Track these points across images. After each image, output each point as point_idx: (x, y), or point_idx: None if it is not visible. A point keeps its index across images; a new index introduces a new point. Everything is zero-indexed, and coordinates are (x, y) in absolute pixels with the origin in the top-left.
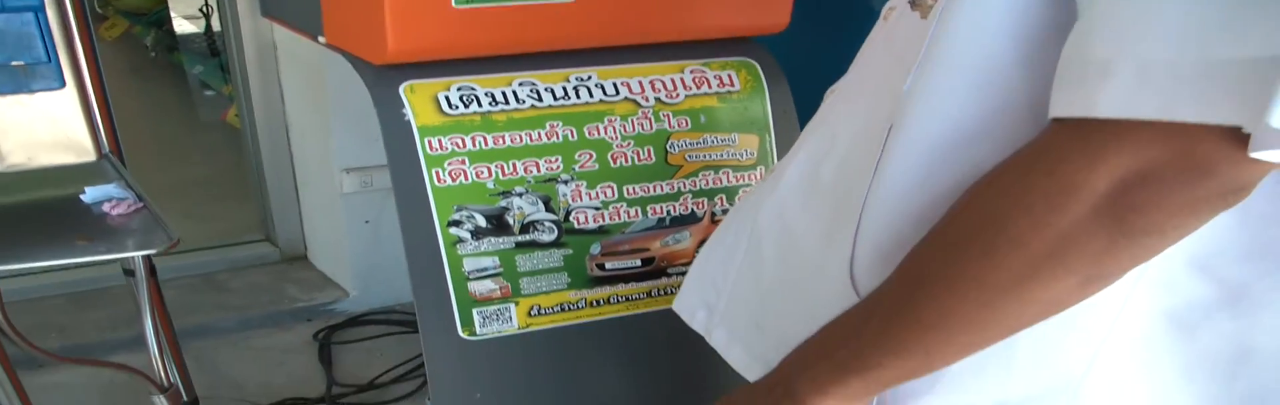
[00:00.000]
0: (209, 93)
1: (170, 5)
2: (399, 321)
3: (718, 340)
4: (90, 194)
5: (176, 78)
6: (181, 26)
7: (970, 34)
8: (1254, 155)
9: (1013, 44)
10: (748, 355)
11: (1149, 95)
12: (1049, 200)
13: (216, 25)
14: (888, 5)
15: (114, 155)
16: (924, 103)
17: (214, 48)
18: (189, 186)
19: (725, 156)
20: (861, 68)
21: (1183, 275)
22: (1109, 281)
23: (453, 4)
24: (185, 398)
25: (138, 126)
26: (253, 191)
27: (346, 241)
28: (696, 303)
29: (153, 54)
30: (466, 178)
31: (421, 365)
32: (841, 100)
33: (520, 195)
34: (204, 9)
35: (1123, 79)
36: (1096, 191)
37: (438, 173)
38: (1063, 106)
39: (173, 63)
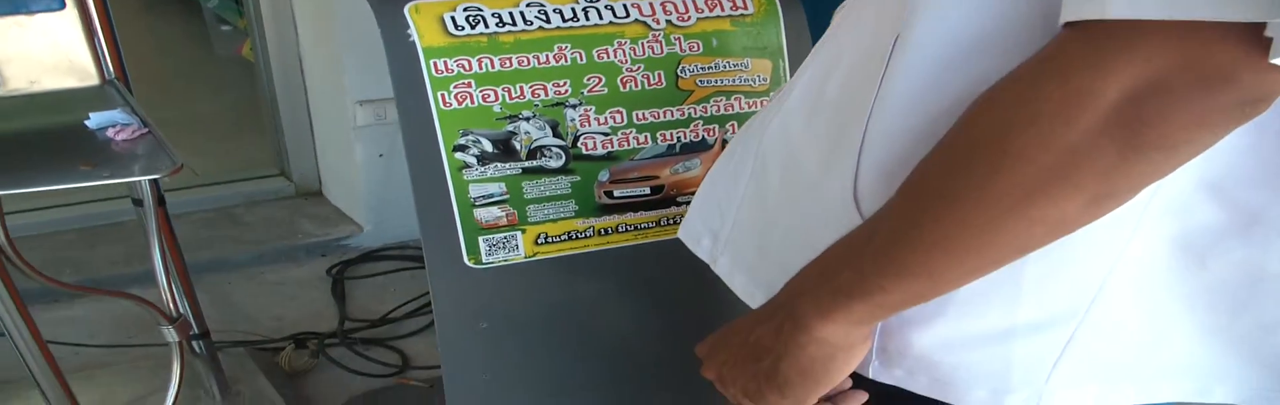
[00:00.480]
0: (225, 27)
1: None
2: (412, 257)
3: (722, 268)
4: (94, 119)
5: (192, 12)
6: None
7: None
8: (1276, 61)
9: None
10: (751, 283)
11: None
12: (1057, 111)
13: None
14: None
15: (119, 81)
16: (930, 11)
17: None
18: (205, 121)
19: (737, 82)
20: None
21: (1194, 199)
22: (1118, 201)
23: None
24: (195, 329)
25: (154, 61)
26: (267, 126)
27: (360, 176)
28: (701, 229)
29: None
30: (472, 101)
31: None
32: (849, 14)
33: (527, 119)
34: None
35: None
36: (1106, 102)
37: (443, 96)
38: (1072, 10)
39: None
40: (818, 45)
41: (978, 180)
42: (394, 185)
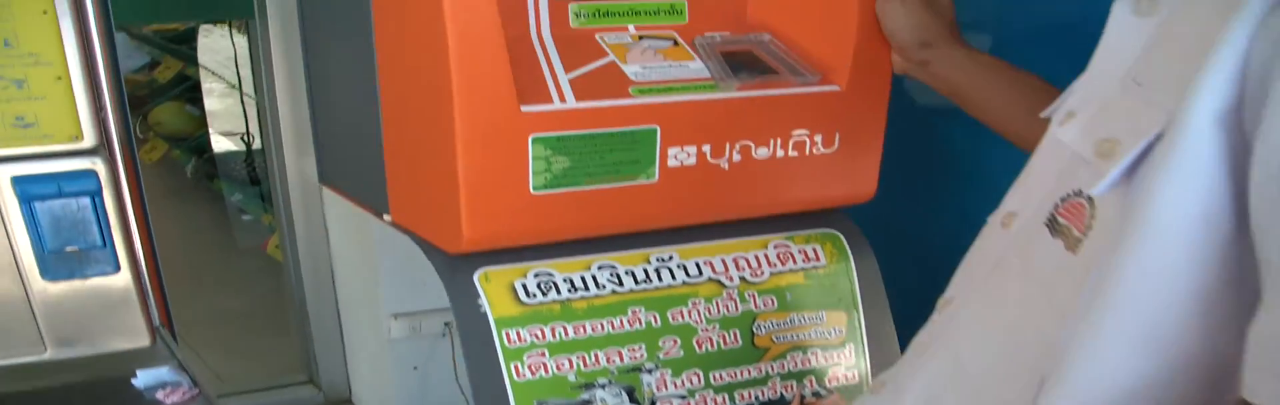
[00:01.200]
0: (247, 217)
1: (210, 123)
2: None
3: None
4: (142, 378)
5: (215, 201)
6: (220, 144)
7: (1142, 284)
8: None
9: (1189, 297)
10: None
11: None
12: None
13: (256, 145)
14: (1005, 210)
15: (165, 327)
16: (1088, 358)
17: (254, 176)
18: (229, 319)
19: (813, 336)
20: (984, 285)
21: None
22: None
23: (531, 190)
24: None
25: (174, 253)
26: (295, 330)
27: (393, 388)
28: None
29: (192, 178)
30: (547, 371)
31: None
32: (963, 321)
33: (603, 387)
34: (245, 138)
35: None
36: None
37: (516, 367)
38: (1267, 397)
39: (212, 188)
40: (921, 340)
41: None
42: (429, 399)
